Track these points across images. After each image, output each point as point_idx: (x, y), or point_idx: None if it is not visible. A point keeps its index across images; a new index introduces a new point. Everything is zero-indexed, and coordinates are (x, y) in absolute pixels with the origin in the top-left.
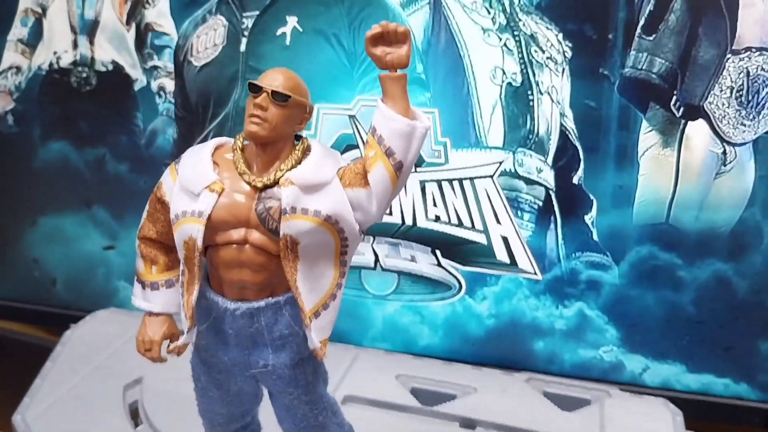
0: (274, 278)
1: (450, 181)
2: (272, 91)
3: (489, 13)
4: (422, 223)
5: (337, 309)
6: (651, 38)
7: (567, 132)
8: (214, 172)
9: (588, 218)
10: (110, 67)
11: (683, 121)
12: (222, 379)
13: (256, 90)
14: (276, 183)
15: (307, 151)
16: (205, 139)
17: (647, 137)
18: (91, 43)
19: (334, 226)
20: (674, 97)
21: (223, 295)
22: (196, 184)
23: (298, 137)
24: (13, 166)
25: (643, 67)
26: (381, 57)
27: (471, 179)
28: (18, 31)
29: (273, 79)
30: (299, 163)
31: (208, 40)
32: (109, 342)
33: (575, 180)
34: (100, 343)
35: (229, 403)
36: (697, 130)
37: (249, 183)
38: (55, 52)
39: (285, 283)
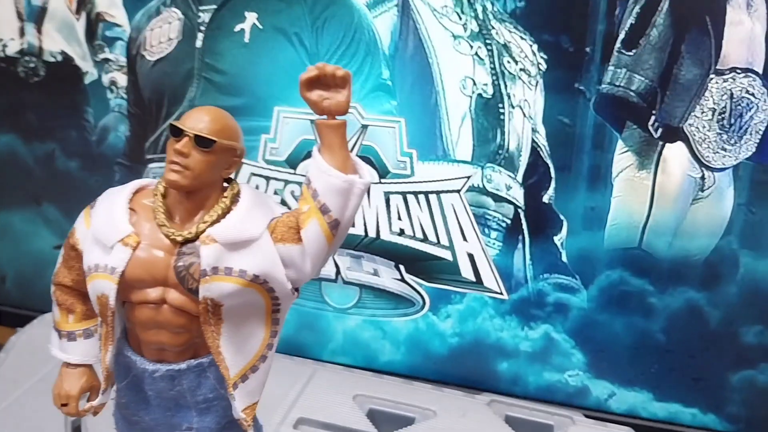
0: (196, 339)
1: (415, 194)
2: (195, 136)
3: (460, 18)
4: (386, 236)
5: (268, 371)
6: (631, 54)
7: (538, 148)
8: (130, 222)
9: (557, 239)
10: (59, 58)
11: (661, 143)
12: None
13: (177, 133)
14: (198, 237)
15: (237, 196)
16: (158, 139)
17: (622, 158)
18: (39, 31)
19: (263, 286)
20: (653, 117)
21: (141, 355)
22: (109, 235)
23: (228, 180)
24: None
25: (622, 84)
26: (317, 102)
27: (437, 193)
28: None
29: (197, 122)
30: (226, 213)
31: (162, 33)
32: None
33: (545, 199)
34: (45, 351)
35: None
36: (675, 153)
37: (168, 236)
38: (1, 40)
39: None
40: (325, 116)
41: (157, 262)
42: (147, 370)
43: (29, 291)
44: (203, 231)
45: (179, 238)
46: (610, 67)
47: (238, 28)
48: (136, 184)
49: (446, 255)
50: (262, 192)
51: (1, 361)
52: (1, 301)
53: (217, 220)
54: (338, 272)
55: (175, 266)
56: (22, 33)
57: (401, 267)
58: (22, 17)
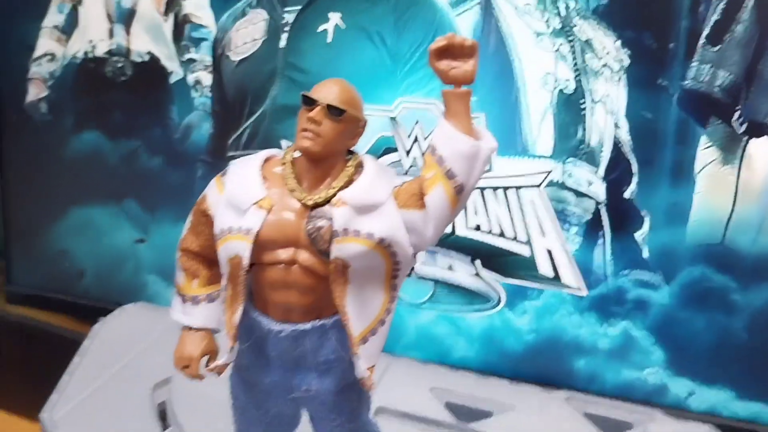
0: (321, 301)
1: (494, 189)
2: (327, 105)
3: (543, 16)
4: (462, 231)
5: (386, 335)
6: (715, 49)
7: (620, 144)
8: (263, 187)
9: (639, 235)
10: (146, 58)
11: (745, 138)
12: (261, 399)
13: (309, 103)
14: (327, 201)
15: (359, 167)
16: (240, 136)
17: (706, 153)
18: (128, 32)
19: (387, 250)
20: (737, 113)
21: (267, 316)
22: (244, 199)
23: (350, 152)
24: (45, 154)
25: (705, 80)
26: (445, 71)
27: (516, 188)
28: (54, 17)
29: (328, 92)
30: (351, 180)
31: (248, 34)
32: (137, 338)
33: (627, 194)
34: (128, 339)
35: (267, 423)
36: (760, 149)
37: (299, 200)
38: (90, 41)
39: (332, 306)
40: (451, 85)
41: (289, 224)
42: (272, 330)
43: (108, 286)
44: (332, 196)
45: (310, 202)
46: (694, 63)
47: (321, 28)
48: (264, 153)
49: (524, 251)
50: (382, 162)
51: (86, 349)
52: (80, 294)
53: (345, 187)
54: (412, 267)
55: (306, 228)
56: (111, 34)
57: (477, 262)
58: (111, 19)
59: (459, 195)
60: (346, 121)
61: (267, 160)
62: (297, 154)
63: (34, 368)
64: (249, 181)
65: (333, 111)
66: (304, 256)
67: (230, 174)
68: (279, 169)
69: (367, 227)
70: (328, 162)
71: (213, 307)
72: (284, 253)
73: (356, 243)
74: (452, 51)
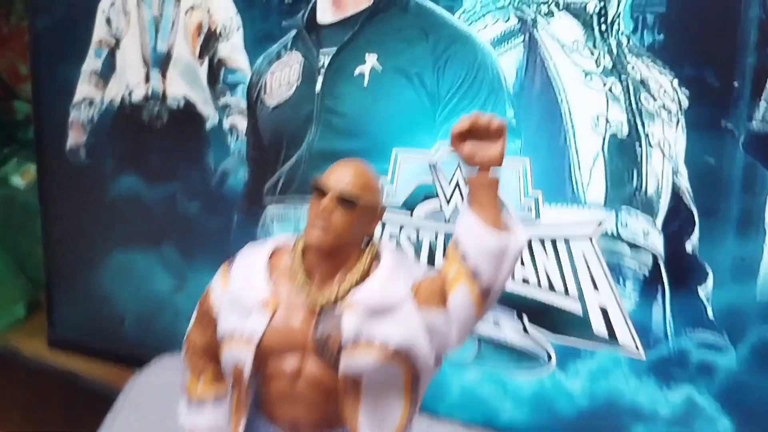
0: (331, 416)
1: (541, 240)
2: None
3: (592, 54)
4: (508, 285)
5: None
6: None
7: (680, 192)
8: (270, 281)
9: (702, 292)
10: (182, 103)
11: None
12: None
13: (320, 191)
14: (339, 300)
15: (375, 259)
16: (277, 182)
17: None
18: (164, 76)
19: (405, 359)
20: None
21: (275, 425)
22: (249, 298)
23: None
24: (85, 199)
25: None
26: (470, 155)
27: (565, 239)
28: (92, 62)
29: (340, 179)
30: (367, 274)
31: (283, 77)
32: (172, 392)
33: (688, 248)
34: (163, 393)
35: None
36: None
37: (308, 298)
38: (127, 86)
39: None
40: (477, 168)
41: (294, 329)
42: None
43: (147, 332)
44: (344, 295)
45: (317, 308)
46: (762, 103)
47: (357, 71)
48: (274, 242)
49: (575, 307)
50: (401, 251)
51: (121, 406)
52: (120, 341)
53: (359, 281)
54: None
55: (313, 336)
56: (147, 79)
57: (524, 318)
58: (147, 63)
59: (485, 298)
60: (360, 210)
61: (277, 249)
62: None
63: (73, 419)
64: (254, 276)
65: (345, 201)
66: (311, 366)
67: (236, 266)
68: (289, 260)
69: (382, 334)
70: (342, 253)
71: (220, 411)
72: (290, 362)
73: (368, 354)
74: (477, 132)
